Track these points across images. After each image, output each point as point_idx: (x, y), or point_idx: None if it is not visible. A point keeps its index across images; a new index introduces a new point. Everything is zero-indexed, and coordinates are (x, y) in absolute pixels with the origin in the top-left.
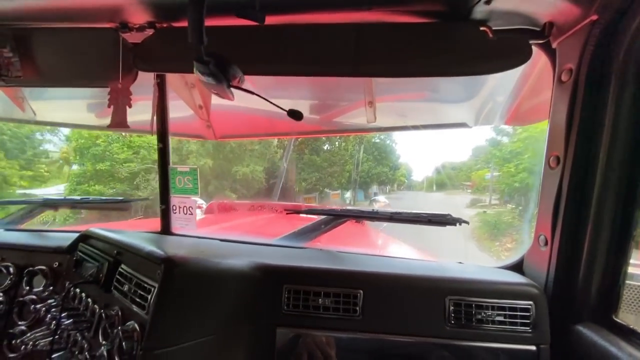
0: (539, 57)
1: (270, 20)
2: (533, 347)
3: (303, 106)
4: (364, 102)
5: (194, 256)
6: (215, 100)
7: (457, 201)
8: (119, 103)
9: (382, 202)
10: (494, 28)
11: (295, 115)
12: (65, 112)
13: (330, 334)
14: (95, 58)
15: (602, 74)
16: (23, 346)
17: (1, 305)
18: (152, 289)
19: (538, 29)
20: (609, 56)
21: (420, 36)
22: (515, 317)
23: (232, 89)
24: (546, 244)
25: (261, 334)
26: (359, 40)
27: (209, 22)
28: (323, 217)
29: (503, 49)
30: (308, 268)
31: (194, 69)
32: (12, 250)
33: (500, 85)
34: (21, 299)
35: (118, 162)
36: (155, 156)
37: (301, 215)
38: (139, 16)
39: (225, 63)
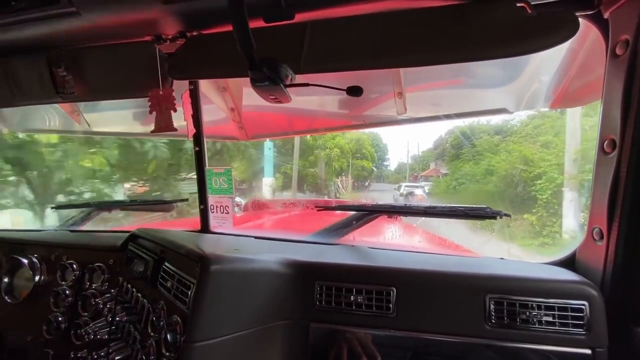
0: (587, 30)
1: (295, 18)
2: (588, 351)
3: (331, 101)
4: (392, 93)
5: (229, 254)
6: (245, 101)
7: None
8: (162, 109)
9: (419, 195)
10: (532, 3)
11: (355, 91)
12: (115, 122)
13: (364, 330)
14: (135, 70)
15: None
16: (86, 335)
17: (68, 298)
18: (192, 285)
19: None
20: None
21: (451, 19)
22: (566, 317)
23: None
24: (602, 237)
25: (295, 329)
26: (386, 30)
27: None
28: (354, 212)
29: (545, 25)
30: (339, 264)
31: (250, 81)
32: (75, 249)
33: (546, 64)
34: (84, 292)
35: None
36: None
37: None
38: (171, 27)
39: (276, 64)
